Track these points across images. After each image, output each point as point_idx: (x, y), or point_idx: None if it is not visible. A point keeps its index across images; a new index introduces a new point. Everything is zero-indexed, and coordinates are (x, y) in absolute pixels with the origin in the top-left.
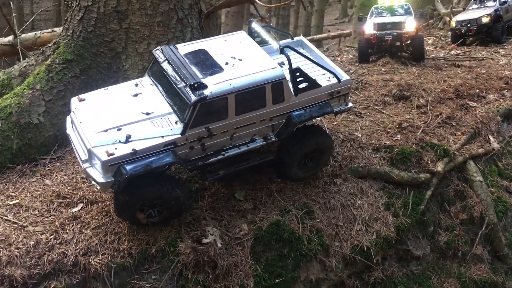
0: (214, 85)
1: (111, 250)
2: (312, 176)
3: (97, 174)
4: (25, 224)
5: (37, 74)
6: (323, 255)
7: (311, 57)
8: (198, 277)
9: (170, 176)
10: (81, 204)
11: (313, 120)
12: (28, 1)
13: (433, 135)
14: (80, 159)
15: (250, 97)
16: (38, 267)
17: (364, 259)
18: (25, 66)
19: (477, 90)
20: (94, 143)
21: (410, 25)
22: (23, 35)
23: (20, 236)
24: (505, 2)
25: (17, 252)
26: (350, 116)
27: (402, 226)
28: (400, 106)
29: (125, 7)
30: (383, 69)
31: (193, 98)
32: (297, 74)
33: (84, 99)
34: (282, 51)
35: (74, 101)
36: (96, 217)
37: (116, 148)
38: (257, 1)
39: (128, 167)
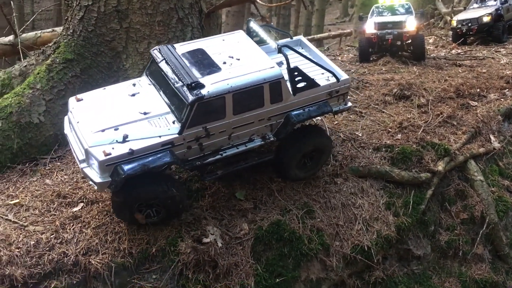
0: (212, 84)
1: (112, 250)
2: (312, 176)
3: (94, 174)
4: (26, 224)
5: (38, 73)
6: (323, 254)
7: (309, 57)
8: (198, 276)
9: (166, 175)
10: (82, 204)
11: (314, 119)
12: (29, 0)
13: (434, 134)
14: (78, 159)
15: (248, 96)
16: (39, 267)
17: (365, 259)
18: (25, 66)
19: (478, 90)
20: (91, 143)
21: (411, 24)
22: (24, 35)
23: (21, 235)
24: (506, 1)
25: (18, 251)
26: (351, 116)
27: (402, 226)
28: (401, 106)
29: (125, 6)
30: (383, 69)
31: (190, 97)
32: (296, 73)
33: (82, 99)
34: (280, 51)
35: (71, 101)
36: (97, 217)
37: (113, 148)
38: (258, 1)
39: (125, 167)
